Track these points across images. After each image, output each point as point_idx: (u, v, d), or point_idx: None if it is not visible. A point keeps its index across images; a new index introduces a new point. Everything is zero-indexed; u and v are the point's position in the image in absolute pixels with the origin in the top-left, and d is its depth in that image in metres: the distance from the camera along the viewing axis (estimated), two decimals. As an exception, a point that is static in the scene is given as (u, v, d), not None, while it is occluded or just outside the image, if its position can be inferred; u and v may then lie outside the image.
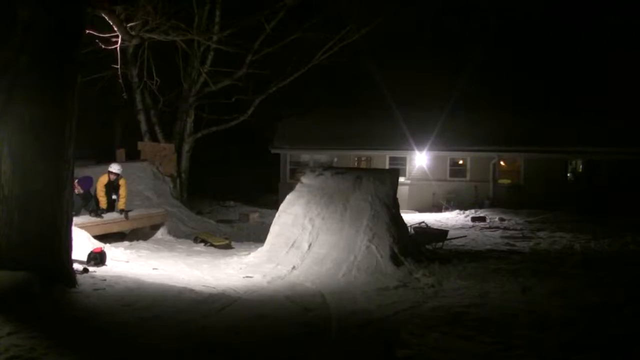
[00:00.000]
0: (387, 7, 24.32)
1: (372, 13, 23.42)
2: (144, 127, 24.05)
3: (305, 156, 29.84)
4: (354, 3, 23.06)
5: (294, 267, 11.65)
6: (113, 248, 12.88)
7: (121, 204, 15.02)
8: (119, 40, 11.53)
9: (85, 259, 11.06)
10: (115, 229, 14.49)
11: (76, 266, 10.06)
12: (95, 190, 14.95)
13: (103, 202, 14.69)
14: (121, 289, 9.13)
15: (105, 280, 9.61)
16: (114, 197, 15.13)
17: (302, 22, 23.29)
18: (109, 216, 14.38)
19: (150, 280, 10.08)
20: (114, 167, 15.17)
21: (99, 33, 11.15)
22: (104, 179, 14.95)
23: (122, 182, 15.22)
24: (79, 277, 9.41)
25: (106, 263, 11.28)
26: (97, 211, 14.25)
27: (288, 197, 13.81)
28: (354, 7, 23.06)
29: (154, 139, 24.01)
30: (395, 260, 11.63)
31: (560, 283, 10.28)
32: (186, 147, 24.36)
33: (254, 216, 22.28)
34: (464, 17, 33.17)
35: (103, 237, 13.37)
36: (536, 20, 32.79)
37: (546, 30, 32.81)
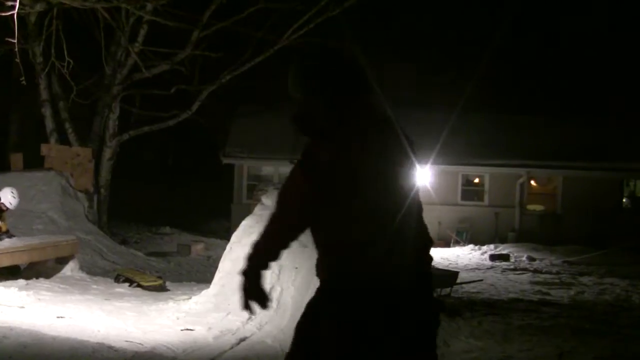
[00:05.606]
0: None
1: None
2: (50, 124, 23.79)
3: (268, 168, 29.78)
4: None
5: (250, 318, 11.55)
6: (2, 288, 12.70)
7: (4, 226, 14.85)
8: (17, 4, 11.39)
9: (-37, 303, 10.91)
10: (5, 262, 14.25)
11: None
12: None
13: None
14: (11, 345, 8.96)
15: (-11, 332, 9.44)
16: None
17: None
18: (-4, 245, 14.16)
19: (54, 333, 9.89)
20: (9, 199, 14.83)
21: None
22: None
23: None
24: (-47, 328, 9.26)
25: (-8, 309, 11.13)
26: None
27: (244, 223, 13.71)
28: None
29: (64, 140, 23.80)
30: (388, 310, 11.55)
31: (611, 347, 10.25)
32: (108, 153, 24.16)
33: (198, 248, 22.21)
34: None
35: (-11, 274, 13.21)
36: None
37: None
